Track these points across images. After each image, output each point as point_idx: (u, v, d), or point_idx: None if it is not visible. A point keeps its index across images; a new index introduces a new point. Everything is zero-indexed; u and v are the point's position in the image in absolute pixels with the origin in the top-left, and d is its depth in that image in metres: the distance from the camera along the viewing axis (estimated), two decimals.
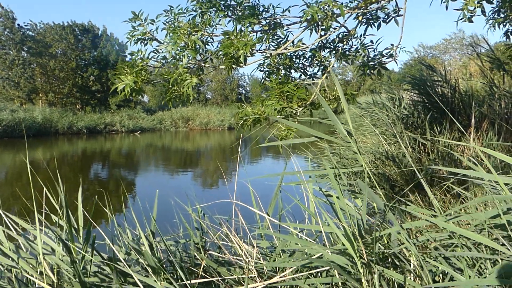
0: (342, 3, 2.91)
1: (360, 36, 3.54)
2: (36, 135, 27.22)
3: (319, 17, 2.72)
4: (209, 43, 3.64)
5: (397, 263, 1.95)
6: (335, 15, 2.97)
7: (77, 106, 39.00)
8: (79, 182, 12.02)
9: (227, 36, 2.92)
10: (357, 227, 1.91)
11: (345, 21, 3.19)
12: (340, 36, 3.61)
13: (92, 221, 2.23)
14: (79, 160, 17.49)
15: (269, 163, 17.45)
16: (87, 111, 37.74)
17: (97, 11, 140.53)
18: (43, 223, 2.30)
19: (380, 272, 1.74)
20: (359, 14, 3.15)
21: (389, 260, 2.02)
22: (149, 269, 2.21)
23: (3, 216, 2.20)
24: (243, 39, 2.86)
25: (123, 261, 2.15)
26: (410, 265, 1.86)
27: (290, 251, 2.47)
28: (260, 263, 2.27)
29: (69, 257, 1.97)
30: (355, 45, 3.64)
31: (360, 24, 3.32)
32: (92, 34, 40.68)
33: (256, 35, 3.71)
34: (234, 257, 2.34)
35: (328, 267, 1.91)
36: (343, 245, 1.87)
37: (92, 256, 1.99)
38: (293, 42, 3.65)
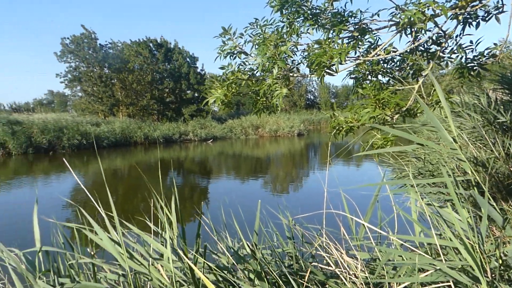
0: (441, 3, 2.78)
1: (456, 36, 3.36)
2: (117, 145, 29.22)
3: (418, 19, 2.62)
4: (295, 53, 3.66)
5: None
6: (433, 17, 2.84)
7: (154, 117, 41.22)
8: (159, 189, 12.59)
9: (319, 45, 2.91)
10: (477, 241, 1.78)
11: (445, 22, 3.04)
12: (434, 38, 3.44)
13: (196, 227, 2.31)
14: (156, 168, 18.36)
15: (341, 169, 17.08)
16: (163, 121, 39.74)
17: (168, 27, 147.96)
18: (154, 230, 2.41)
19: None
20: (459, 14, 2.98)
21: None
22: (253, 276, 2.23)
23: (109, 221, 2.33)
24: (336, 46, 2.84)
25: (230, 269, 2.20)
26: None
27: (394, 264, 2.37)
28: (367, 276, 2.20)
29: (181, 264, 2.05)
30: (449, 46, 3.45)
31: (458, 24, 3.14)
32: (165, 48, 42.83)
33: (342, 42, 3.66)
34: (339, 269, 2.28)
35: (445, 283, 1.81)
36: (460, 260, 1.75)
37: (203, 265, 2.05)
38: (381, 46, 3.55)
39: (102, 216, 2.06)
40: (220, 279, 2.24)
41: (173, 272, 1.63)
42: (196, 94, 44.00)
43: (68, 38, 35.12)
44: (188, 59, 43.97)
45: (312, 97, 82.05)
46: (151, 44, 41.90)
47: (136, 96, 38.55)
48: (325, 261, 2.55)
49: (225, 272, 2.25)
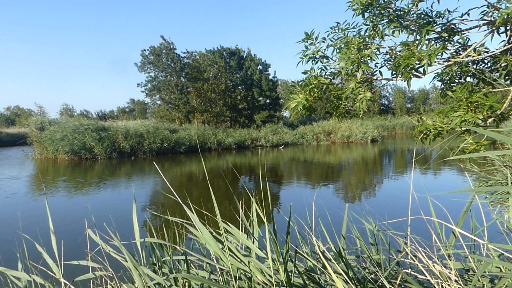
0: None
1: None
2: (193, 151, 30.49)
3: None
4: (377, 56, 3.60)
5: None
6: None
7: (227, 124, 42.41)
8: (230, 193, 12.94)
9: (406, 47, 2.84)
10: None
11: None
12: None
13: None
14: (229, 173, 18.82)
15: (421, 176, 16.31)
16: (235, 127, 40.76)
17: (241, 34, 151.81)
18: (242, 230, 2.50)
19: None
20: None
21: None
22: (339, 280, 2.22)
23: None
24: (424, 48, 2.75)
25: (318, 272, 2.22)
26: None
27: (491, 275, 2.23)
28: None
29: (272, 265, 2.10)
30: None
31: None
32: (238, 56, 43.91)
33: (429, 43, 3.53)
34: (433, 279, 2.20)
35: None
36: None
37: (294, 267, 2.09)
38: (472, 47, 3.37)
39: (186, 215, 2.18)
40: (307, 281, 2.27)
41: (272, 270, 1.68)
42: (268, 101, 44.52)
43: (147, 50, 37.36)
44: (260, 66, 44.70)
45: (386, 102, 79.28)
46: (225, 53, 43.24)
47: (210, 104, 39.94)
48: (410, 269, 2.48)
49: (314, 274, 2.27)
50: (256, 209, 2.56)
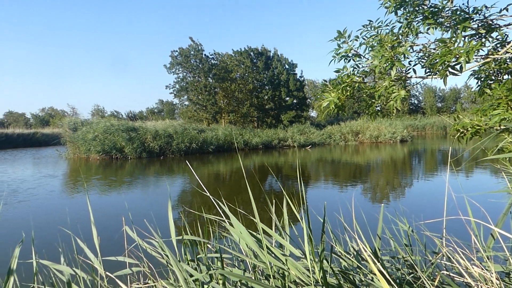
0: None
1: None
2: (220, 151, 30.76)
3: None
4: (410, 54, 3.54)
5: None
6: None
7: (254, 124, 42.52)
8: (257, 192, 12.98)
9: (443, 44, 2.78)
10: None
11: None
12: None
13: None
14: (256, 173, 18.86)
15: (454, 177, 15.87)
16: (262, 128, 40.83)
17: (268, 34, 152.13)
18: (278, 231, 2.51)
19: None
20: None
21: None
22: (376, 281, 2.20)
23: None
24: (461, 45, 2.69)
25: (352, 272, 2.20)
26: None
27: None
28: None
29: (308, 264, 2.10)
30: None
31: None
32: (265, 57, 43.97)
33: (465, 39, 3.45)
34: (472, 281, 2.14)
35: None
36: None
37: (329, 266, 2.08)
38: (508, 43, 3.27)
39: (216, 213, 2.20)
40: (341, 281, 2.26)
41: (310, 269, 1.69)
42: (295, 101, 44.35)
43: (176, 51, 37.89)
44: (287, 66, 44.59)
45: (415, 102, 77.61)
46: (252, 53, 43.38)
47: (237, 104, 40.14)
48: (445, 270, 2.42)
49: (350, 273, 2.26)
50: (287, 208, 2.57)
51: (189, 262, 2.34)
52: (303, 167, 21.54)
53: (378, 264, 2.19)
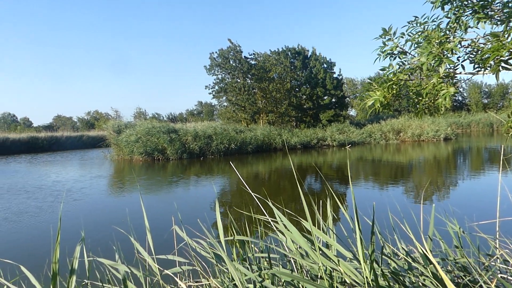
0: None
1: None
2: (258, 151, 30.91)
3: None
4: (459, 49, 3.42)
5: None
6: None
7: (292, 123, 42.37)
8: (297, 193, 12.91)
9: (495, 38, 2.68)
10: None
11: None
12: None
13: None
14: (295, 173, 18.79)
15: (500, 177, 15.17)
16: (301, 127, 40.64)
17: (306, 33, 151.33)
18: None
19: None
20: None
21: None
22: (428, 283, 2.15)
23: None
24: None
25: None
26: None
27: None
28: None
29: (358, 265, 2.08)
30: None
31: None
32: (303, 56, 43.74)
33: None
34: None
35: None
36: None
37: (380, 266, 2.06)
38: None
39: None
40: (391, 282, 2.22)
41: (364, 270, 1.68)
42: (333, 100, 43.83)
43: (215, 53, 38.42)
44: (325, 65, 44.13)
45: (460, 98, 74.71)
46: (289, 53, 43.28)
47: (275, 104, 40.14)
48: (500, 273, 2.33)
49: (399, 275, 2.22)
50: (331, 209, 2.56)
51: (244, 261, 2.37)
52: (343, 166, 21.26)
53: (432, 265, 2.14)
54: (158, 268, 2.34)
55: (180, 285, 2.17)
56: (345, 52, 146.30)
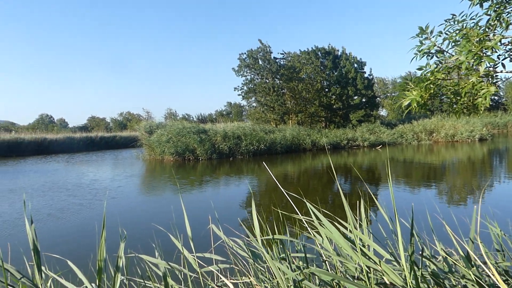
0: None
1: None
2: (288, 151, 30.85)
3: None
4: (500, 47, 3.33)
5: None
6: None
7: (322, 124, 42.04)
8: (328, 194, 12.81)
9: None
10: None
11: None
12: None
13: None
14: (324, 174, 18.63)
15: None
16: (331, 127, 40.27)
17: (336, 33, 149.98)
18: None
19: None
20: None
21: None
22: (469, 286, 2.12)
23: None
24: None
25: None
26: None
27: None
28: None
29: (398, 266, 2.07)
30: None
31: None
32: (333, 56, 43.32)
33: None
34: None
35: None
36: None
37: (420, 268, 2.04)
38: None
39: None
40: (430, 285, 2.20)
41: (405, 271, 1.67)
42: (363, 100, 43.19)
43: (244, 53, 38.61)
44: (355, 65, 43.55)
45: (495, 98, 72.11)
46: (319, 53, 42.97)
47: (304, 104, 39.95)
48: None
49: (439, 278, 2.19)
50: (364, 210, 2.54)
51: (284, 260, 2.40)
52: (374, 167, 20.95)
53: (474, 268, 2.10)
54: (198, 265, 2.39)
55: (225, 282, 2.21)
56: (376, 51, 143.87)
